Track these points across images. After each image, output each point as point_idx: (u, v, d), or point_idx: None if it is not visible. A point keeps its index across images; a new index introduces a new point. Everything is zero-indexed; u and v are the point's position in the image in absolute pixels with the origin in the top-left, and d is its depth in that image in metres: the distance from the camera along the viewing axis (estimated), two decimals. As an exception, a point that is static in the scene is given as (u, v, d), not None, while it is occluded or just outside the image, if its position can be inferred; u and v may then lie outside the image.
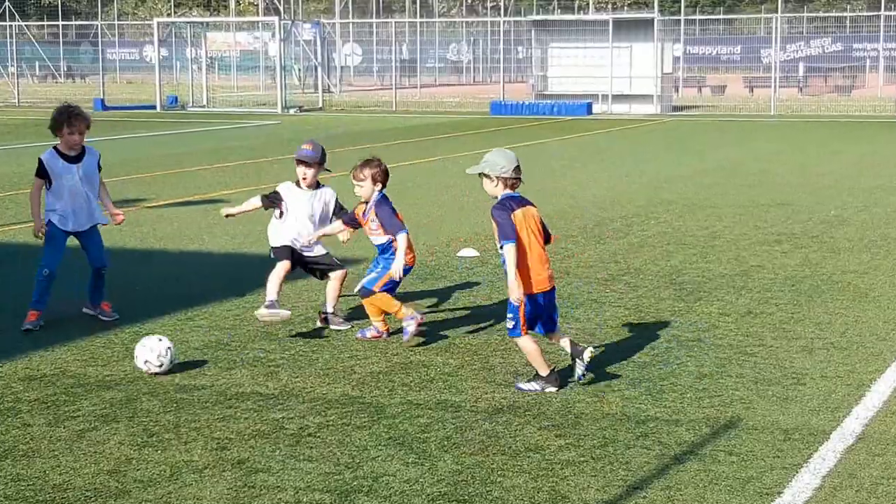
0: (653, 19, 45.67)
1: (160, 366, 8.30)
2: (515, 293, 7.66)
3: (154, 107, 46.32)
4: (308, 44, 55.82)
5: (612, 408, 7.56)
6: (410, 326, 9.04)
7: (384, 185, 9.29)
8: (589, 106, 43.61)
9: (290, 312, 9.58)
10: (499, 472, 6.41)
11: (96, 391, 7.96)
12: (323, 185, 9.83)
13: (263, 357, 8.87)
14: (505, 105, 44.65)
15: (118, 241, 13.65)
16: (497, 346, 9.18)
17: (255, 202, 9.88)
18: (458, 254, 13.27)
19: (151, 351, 8.30)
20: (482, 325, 9.87)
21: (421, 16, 67.99)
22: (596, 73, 44.62)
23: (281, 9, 59.84)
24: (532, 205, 8.00)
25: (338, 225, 9.53)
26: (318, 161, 9.63)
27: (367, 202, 9.29)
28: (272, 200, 9.74)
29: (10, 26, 57.13)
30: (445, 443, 6.89)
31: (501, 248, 7.71)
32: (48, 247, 9.84)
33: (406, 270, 9.28)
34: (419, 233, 14.33)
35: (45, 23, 77.92)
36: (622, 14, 58.96)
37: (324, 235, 9.66)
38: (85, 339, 9.32)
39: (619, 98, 44.80)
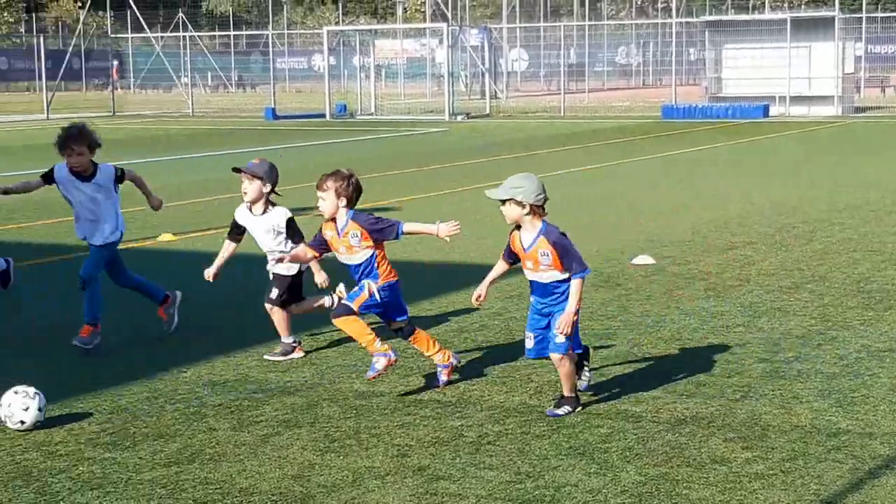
0: (833, 17, 44.57)
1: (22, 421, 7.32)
2: (570, 323, 7.37)
3: (323, 115, 47.02)
4: (475, 49, 56.04)
5: (801, 420, 7.33)
6: (378, 364, 7.91)
7: (351, 203, 8.02)
8: (765, 108, 42.80)
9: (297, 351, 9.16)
10: (684, 484, 6.26)
11: (278, 396, 8.04)
12: (274, 206, 9.12)
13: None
14: (676, 108, 44.11)
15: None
16: (676, 355, 8.99)
17: (226, 246, 9.31)
18: (633, 261, 13.08)
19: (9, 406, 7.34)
20: (659, 334, 9.69)
21: (589, 19, 67.63)
22: (773, 74, 43.75)
23: (448, 15, 60.19)
24: None
25: (301, 249, 8.34)
26: (261, 175, 8.89)
27: (334, 220, 8.04)
28: (237, 233, 9.23)
29: (184, 37, 58.75)
30: (627, 453, 6.76)
31: (567, 277, 7.32)
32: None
33: (388, 289, 8.01)
34: (592, 239, 14.19)
35: (217, 33, 79.87)
36: (800, 13, 57.73)
37: (291, 260, 8.52)
38: (263, 346, 9.43)
39: (797, 100, 43.88)
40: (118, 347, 9.60)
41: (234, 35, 78.66)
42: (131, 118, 48.24)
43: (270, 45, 57.92)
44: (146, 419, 7.57)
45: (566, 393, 7.59)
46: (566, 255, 7.30)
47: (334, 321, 7.95)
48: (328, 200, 7.95)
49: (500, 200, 7.32)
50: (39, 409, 7.34)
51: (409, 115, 47.70)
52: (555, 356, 7.47)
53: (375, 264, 7.94)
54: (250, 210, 9.07)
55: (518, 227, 7.42)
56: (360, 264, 7.96)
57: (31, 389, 7.39)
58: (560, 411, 7.49)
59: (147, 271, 11.10)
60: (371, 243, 7.93)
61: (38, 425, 7.34)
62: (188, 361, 9.02)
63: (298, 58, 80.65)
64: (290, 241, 8.97)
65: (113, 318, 10.20)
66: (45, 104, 48.39)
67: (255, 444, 7.02)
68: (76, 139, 9.32)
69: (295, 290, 9.19)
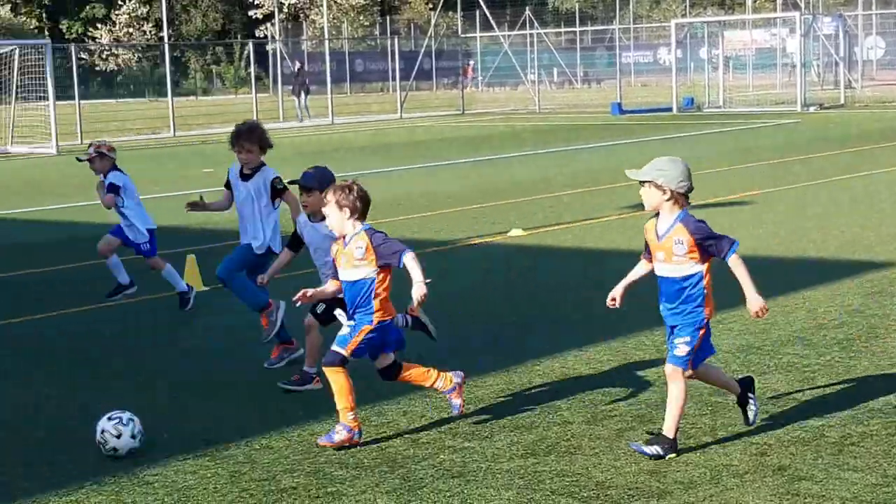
0: None
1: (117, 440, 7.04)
2: (761, 305, 6.73)
3: (670, 109, 46.58)
4: (828, 38, 54.16)
5: None
6: (338, 436, 7.05)
7: (359, 214, 7.28)
8: None
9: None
10: None
11: (632, 392, 8.03)
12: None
13: (798, 362, 8.62)
14: None
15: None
16: None
17: (285, 254, 8.77)
18: None
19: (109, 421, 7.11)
20: None
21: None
22: None
23: (801, 3, 58.45)
24: None
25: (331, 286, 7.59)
26: (318, 187, 8.06)
27: (343, 238, 7.33)
28: (297, 244, 8.64)
29: (530, 35, 59.51)
30: None
31: (729, 256, 6.64)
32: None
33: (379, 330, 7.22)
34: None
35: (563, 29, 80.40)
36: None
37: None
38: (617, 341, 9.44)
39: None
40: (475, 345, 9.82)
41: (579, 31, 79.04)
42: (479, 116, 49.32)
43: (616, 39, 57.81)
44: (501, 410, 7.73)
45: (665, 431, 6.72)
46: (710, 237, 6.63)
47: (324, 368, 7.23)
48: (332, 215, 7.28)
49: (640, 182, 6.76)
50: (133, 437, 7.01)
51: (757, 107, 46.61)
52: (668, 368, 6.77)
53: (373, 292, 7.16)
54: (310, 218, 8.44)
55: (657, 215, 6.81)
56: (356, 283, 7.20)
57: (126, 415, 7.08)
58: (648, 449, 6.65)
59: (496, 265, 11.29)
60: (374, 263, 7.18)
61: (134, 452, 7.02)
62: (543, 354, 9.13)
63: (644, 51, 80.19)
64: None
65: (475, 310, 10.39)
66: (398, 104, 50.12)
67: (611, 439, 7.04)
68: (246, 136, 9.30)
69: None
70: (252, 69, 49.70)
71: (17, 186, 25.68)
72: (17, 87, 36.67)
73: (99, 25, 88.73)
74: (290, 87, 50.11)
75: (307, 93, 48.23)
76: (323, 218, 7.54)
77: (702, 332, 6.71)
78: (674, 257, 6.68)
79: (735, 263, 6.65)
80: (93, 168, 11.65)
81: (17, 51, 36.58)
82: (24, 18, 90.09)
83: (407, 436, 7.28)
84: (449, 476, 6.52)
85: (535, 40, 58.55)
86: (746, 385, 7.13)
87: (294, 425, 7.55)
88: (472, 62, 71.96)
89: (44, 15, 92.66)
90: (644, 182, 6.70)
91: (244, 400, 8.32)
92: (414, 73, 56.49)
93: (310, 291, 7.45)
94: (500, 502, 6.13)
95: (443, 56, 77.54)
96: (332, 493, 6.33)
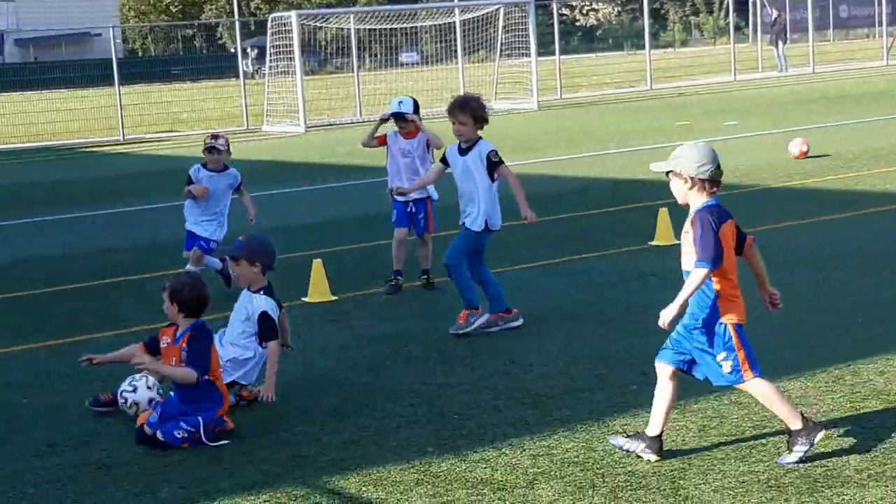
0: None
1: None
2: (670, 317, 6.00)
3: None
4: None
5: None
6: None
7: (190, 312, 7.09)
8: None
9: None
10: None
11: None
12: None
13: None
14: None
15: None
16: None
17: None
18: None
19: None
20: None
21: None
22: None
23: None
24: (732, 217, 6.16)
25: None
26: (245, 257, 7.81)
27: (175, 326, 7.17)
28: None
29: None
30: None
31: (693, 265, 5.98)
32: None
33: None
34: None
35: None
36: None
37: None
38: None
39: None
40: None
41: None
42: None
43: None
44: None
45: (794, 425, 6.13)
46: (698, 236, 5.97)
47: None
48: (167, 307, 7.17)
49: (666, 175, 6.21)
50: (149, 388, 7.36)
51: None
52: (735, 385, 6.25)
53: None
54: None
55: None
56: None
57: (138, 375, 7.39)
58: (790, 459, 6.08)
59: None
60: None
61: (153, 403, 7.21)
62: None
63: None
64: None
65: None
66: (884, 50, 47.82)
67: None
68: (459, 108, 9.17)
69: None
70: (731, 18, 48.89)
71: (498, 141, 26.63)
72: (501, 45, 38.04)
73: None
74: (768, 37, 48.96)
75: (784, 41, 46.90)
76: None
77: (735, 338, 6.06)
78: (683, 251, 6.20)
79: (694, 273, 5.98)
80: (217, 159, 11.27)
81: (501, 9, 37.91)
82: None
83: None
84: None
85: None
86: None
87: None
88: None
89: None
90: (668, 174, 6.20)
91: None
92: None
93: (97, 358, 7.57)
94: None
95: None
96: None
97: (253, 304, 7.67)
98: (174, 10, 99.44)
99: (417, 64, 42.23)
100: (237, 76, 37.28)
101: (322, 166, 22.61)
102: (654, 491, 5.78)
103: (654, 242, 12.26)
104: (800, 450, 6.01)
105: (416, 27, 39.69)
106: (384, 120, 11.13)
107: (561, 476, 6.07)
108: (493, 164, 9.16)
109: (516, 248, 12.32)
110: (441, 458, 6.43)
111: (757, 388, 6.11)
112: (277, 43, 33.71)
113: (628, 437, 6.29)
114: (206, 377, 6.91)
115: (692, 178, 6.06)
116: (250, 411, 7.43)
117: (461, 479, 6.11)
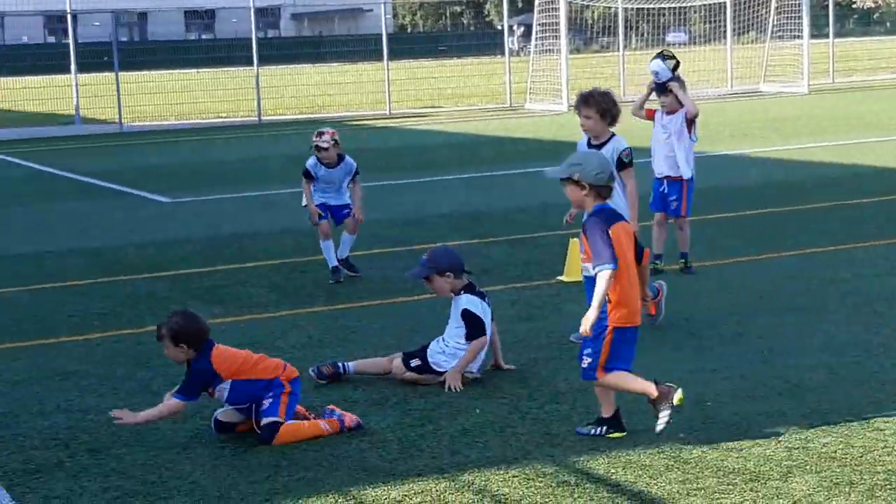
0: None
1: None
2: (590, 323, 6.30)
3: None
4: None
5: None
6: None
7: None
8: None
9: None
10: None
11: None
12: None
13: None
14: None
15: None
16: None
17: None
18: None
19: None
20: None
21: None
22: None
23: None
24: (624, 219, 6.69)
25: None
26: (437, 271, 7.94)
27: None
28: None
29: None
30: None
31: (593, 270, 6.38)
32: None
33: None
34: None
35: None
36: None
37: None
38: None
39: None
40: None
41: None
42: None
43: None
44: None
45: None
46: (592, 243, 6.39)
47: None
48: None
49: (560, 181, 6.58)
50: None
51: None
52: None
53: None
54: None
55: None
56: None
57: None
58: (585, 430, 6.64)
59: None
60: None
61: None
62: None
63: None
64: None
65: None
66: None
67: None
68: (583, 102, 8.95)
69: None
70: None
71: (765, 124, 26.01)
72: (772, 26, 37.08)
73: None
74: None
75: None
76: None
77: (607, 339, 6.42)
78: (581, 255, 6.59)
79: (598, 278, 6.34)
80: (327, 156, 11.04)
81: (776, -10, 36.95)
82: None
83: None
84: None
85: None
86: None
87: None
88: None
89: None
90: (563, 180, 6.56)
91: None
92: None
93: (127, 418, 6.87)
94: None
95: None
96: None
97: (457, 304, 7.91)
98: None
99: (685, 44, 41.57)
100: (503, 53, 37.55)
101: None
102: (917, 493, 5.57)
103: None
104: (665, 415, 6.39)
105: (685, 7, 39.12)
106: (652, 90, 10.94)
107: (817, 471, 5.93)
108: (622, 164, 8.86)
109: (793, 231, 12.04)
110: (693, 445, 6.36)
111: (608, 380, 6.51)
112: (544, 21, 33.74)
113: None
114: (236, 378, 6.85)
115: (590, 185, 6.48)
116: (500, 389, 7.52)
117: (712, 467, 6.04)
